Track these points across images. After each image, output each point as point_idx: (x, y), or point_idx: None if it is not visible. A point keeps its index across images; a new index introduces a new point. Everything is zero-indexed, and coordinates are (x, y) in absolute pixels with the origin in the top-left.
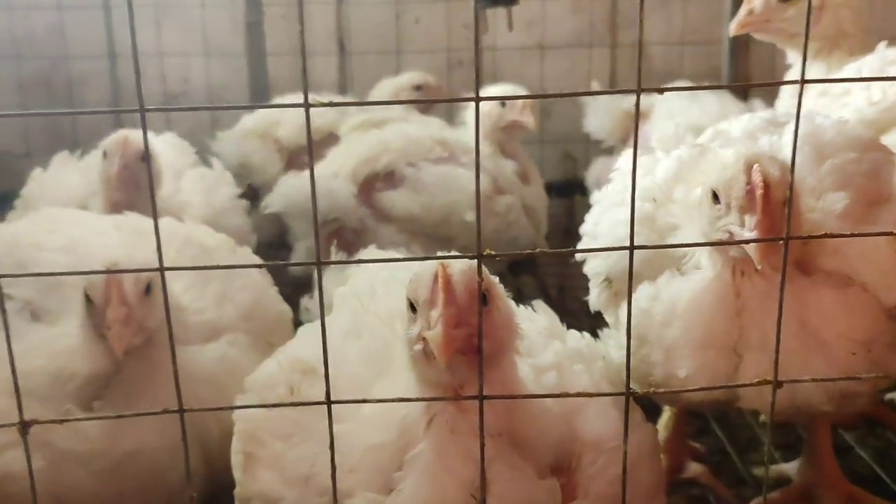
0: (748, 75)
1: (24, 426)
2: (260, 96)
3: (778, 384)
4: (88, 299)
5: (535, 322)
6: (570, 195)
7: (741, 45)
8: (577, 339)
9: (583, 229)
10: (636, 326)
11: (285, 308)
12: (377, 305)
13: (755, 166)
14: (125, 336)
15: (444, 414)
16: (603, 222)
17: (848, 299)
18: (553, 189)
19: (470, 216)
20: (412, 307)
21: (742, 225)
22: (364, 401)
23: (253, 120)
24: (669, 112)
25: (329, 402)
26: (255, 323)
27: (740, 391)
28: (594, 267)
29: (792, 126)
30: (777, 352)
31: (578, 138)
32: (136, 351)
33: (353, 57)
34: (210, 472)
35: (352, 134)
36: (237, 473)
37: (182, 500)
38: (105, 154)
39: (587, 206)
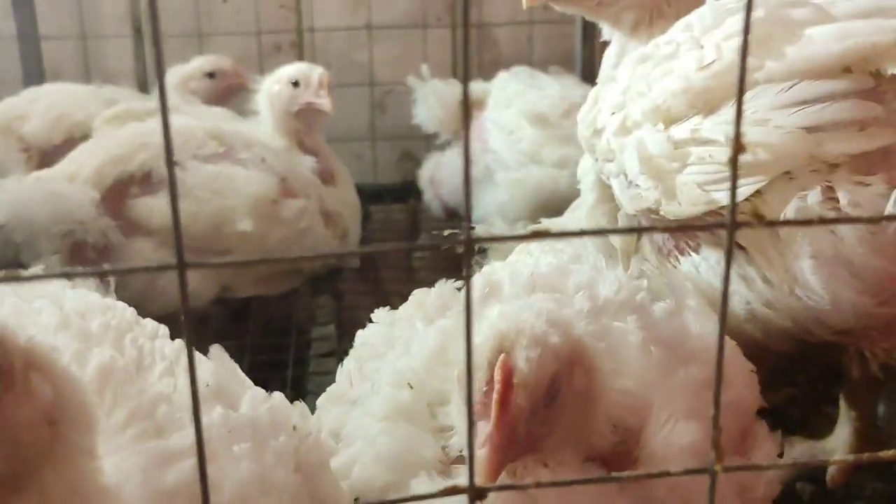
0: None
1: None
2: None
3: None
4: None
5: None
6: (409, 199)
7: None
8: (260, 401)
9: None
10: None
11: None
12: None
13: (501, 357)
14: None
15: None
16: None
17: None
18: (391, 193)
19: (246, 225)
20: None
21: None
22: None
23: None
24: (506, 99)
25: None
26: None
27: None
28: None
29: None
30: None
31: (419, 135)
32: None
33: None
34: None
35: (104, 128)
36: None
37: None
38: None
39: (426, 213)
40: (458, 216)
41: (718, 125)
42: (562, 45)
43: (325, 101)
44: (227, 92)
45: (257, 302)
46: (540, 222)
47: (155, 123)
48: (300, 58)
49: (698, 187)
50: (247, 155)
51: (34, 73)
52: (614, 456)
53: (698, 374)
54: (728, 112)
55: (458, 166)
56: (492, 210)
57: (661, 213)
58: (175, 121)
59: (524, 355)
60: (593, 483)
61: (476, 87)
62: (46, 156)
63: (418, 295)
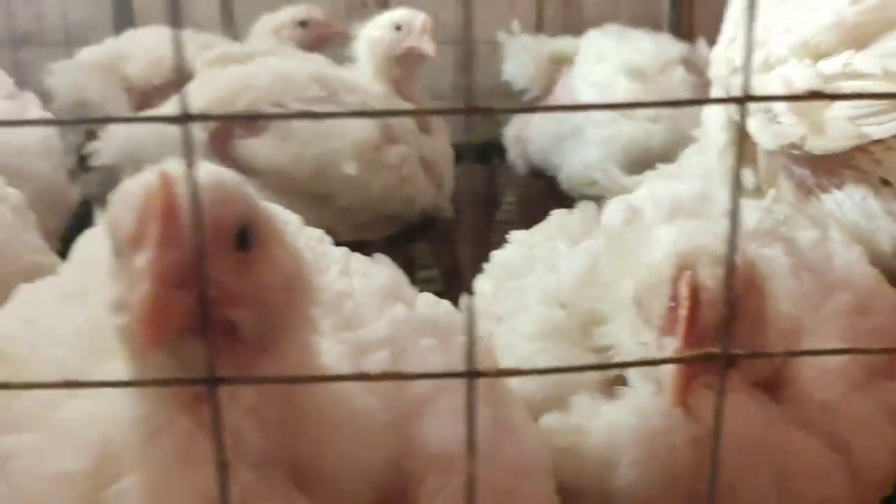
0: (691, 20)
1: None
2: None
3: None
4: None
5: (369, 279)
6: (489, 160)
7: None
8: (433, 304)
9: None
10: None
11: (48, 260)
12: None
13: (685, 274)
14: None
15: (172, 429)
16: None
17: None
18: (473, 152)
19: (352, 169)
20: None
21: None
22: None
23: (96, 52)
24: (598, 55)
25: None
26: None
27: None
28: None
29: None
30: None
31: (498, 93)
32: None
33: None
34: None
35: (207, 70)
36: None
37: None
38: None
39: (508, 172)
40: (543, 175)
41: (874, 58)
42: (648, 6)
43: (427, 46)
44: (318, 42)
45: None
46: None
47: (257, 66)
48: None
49: (849, 121)
50: (350, 99)
51: (125, 20)
52: (770, 382)
53: (846, 301)
54: (884, 45)
55: (547, 123)
56: (582, 167)
57: (806, 148)
58: (278, 64)
59: (709, 272)
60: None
61: (564, 43)
62: (145, 96)
63: (557, 216)
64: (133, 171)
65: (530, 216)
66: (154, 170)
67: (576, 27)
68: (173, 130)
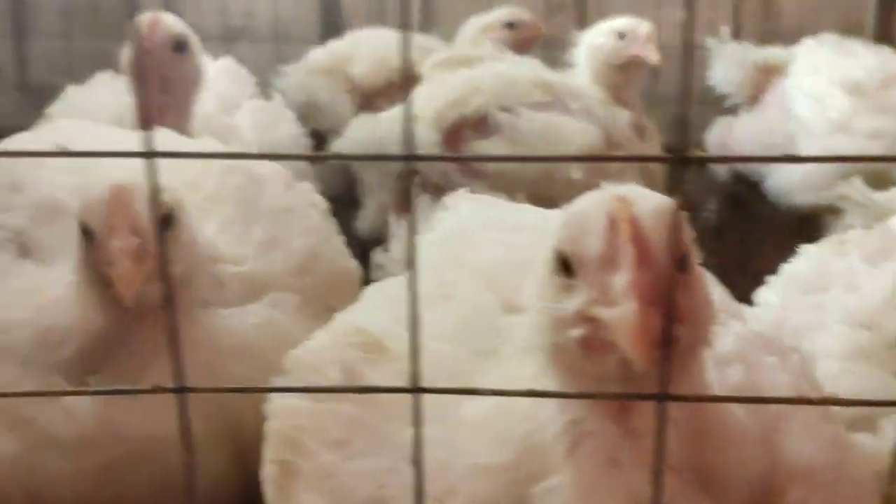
0: None
1: None
2: (332, 33)
3: None
4: (86, 232)
5: None
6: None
7: None
8: (759, 319)
9: None
10: None
11: (352, 264)
12: (476, 257)
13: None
14: (136, 277)
15: (600, 436)
16: None
17: None
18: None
19: (577, 173)
20: (564, 266)
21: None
22: (476, 391)
23: (323, 54)
24: (814, 67)
25: (417, 389)
26: (310, 279)
27: None
28: None
29: None
30: None
31: (694, 96)
32: (149, 311)
33: None
34: (244, 476)
35: (435, 73)
36: (269, 490)
37: None
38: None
39: (702, 177)
40: (747, 181)
41: None
42: (851, 13)
43: (651, 54)
44: (524, 44)
45: None
46: None
47: (483, 70)
48: (582, 17)
49: None
50: (574, 105)
51: (332, 18)
52: None
53: None
54: None
55: (755, 131)
56: (794, 179)
57: None
58: (502, 68)
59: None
60: None
61: (773, 52)
62: (367, 98)
63: (853, 234)
64: (368, 168)
65: (734, 222)
66: (606, 191)
67: (775, 34)
68: (413, 128)
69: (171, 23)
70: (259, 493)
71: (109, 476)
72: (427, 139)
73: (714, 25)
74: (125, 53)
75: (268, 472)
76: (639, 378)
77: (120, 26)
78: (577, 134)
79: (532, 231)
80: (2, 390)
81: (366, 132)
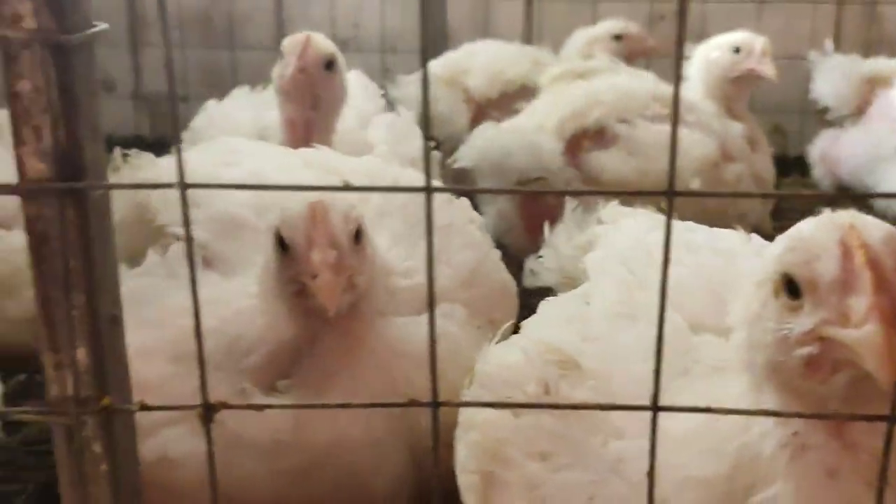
0: None
1: (208, 410)
2: (437, 45)
3: None
4: (282, 243)
5: None
6: (786, 174)
7: None
8: None
9: None
10: None
11: (509, 278)
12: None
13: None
14: (336, 287)
15: (820, 449)
16: None
17: None
18: None
19: (695, 184)
20: (789, 288)
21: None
22: (710, 410)
23: (440, 65)
24: None
25: (655, 407)
26: (474, 292)
27: None
28: None
29: None
30: None
31: (789, 109)
32: (337, 319)
33: (542, 4)
34: (420, 478)
35: (554, 85)
36: (470, 498)
37: None
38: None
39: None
40: (851, 191)
41: None
42: None
43: (768, 69)
44: (632, 56)
45: None
46: None
47: (601, 83)
48: (682, 27)
49: None
50: (691, 118)
51: (438, 35)
52: None
53: None
54: None
55: (862, 143)
56: None
57: None
58: (619, 81)
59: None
60: None
61: (881, 63)
62: (481, 108)
63: None
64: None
65: None
66: (830, 217)
67: (879, 43)
68: (536, 137)
69: (322, 42)
70: (429, 494)
71: (301, 478)
72: (551, 148)
73: (816, 37)
74: (277, 71)
75: (468, 481)
76: (858, 397)
77: (230, 38)
78: (695, 146)
79: (711, 251)
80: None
81: (488, 140)
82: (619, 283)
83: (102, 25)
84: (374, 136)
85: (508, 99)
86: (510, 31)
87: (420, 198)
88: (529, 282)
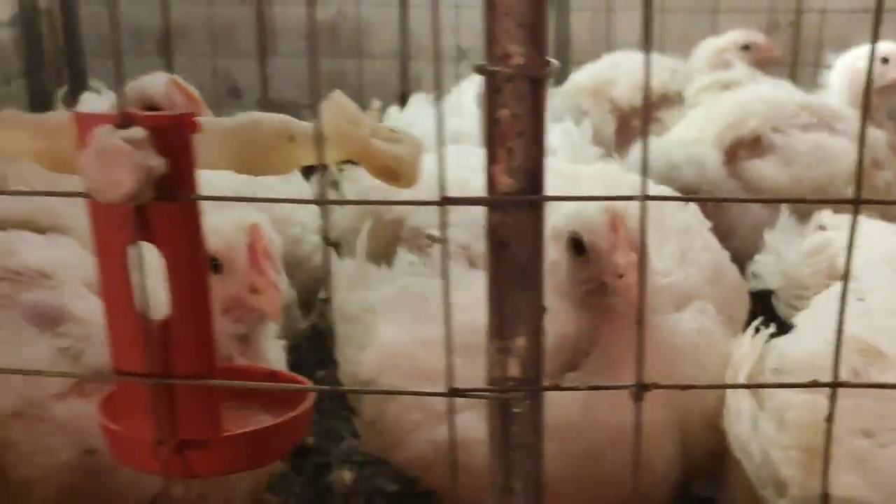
0: None
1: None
2: (560, 56)
3: None
4: (578, 247)
5: None
6: None
7: None
8: None
9: None
10: None
11: (741, 277)
12: None
13: None
14: (635, 286)
15: None
16: None
17: None
18: None
19: (849, 192)
20: None
21: None
22: None
23: (586, 76)
24: None
25: None
26: (719, 290)
27: None
28: None
29: None
30: None
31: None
32: (617, 316)
33: (663, 15)
34: (687, 462)
35: (701, 96)
36: (790, 470)
37: (661, 493)
38: None
39: None
40: None
41: None
42: None
43: None
44: (758, 65)
45: None
46: None
47: (749, 93)
48: (796, 37)
49: None
50: (839, 126)
51: (561, 46)
52: None
53: None
54: None
55: None
56: None
57: None
58: (766, 91)
59: None
60: None
61: None
62: (625, 117)
63: None
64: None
65: None
66: None
67: None
68: (698, 149)
69: None
70: (694, 476)
71: (590, 458)
72: (712, 159)
73: None
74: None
75: (790, 456)
76: None
77: (358, 48)
78: (846, 154)
79: None
80: None
81: (654, 153)
82: (891, 282)
83: (555, 63)
84: (551, 141)
85: (653, 108)
86: (628, 41)
87: (657, 203)
88: (753, 284)
